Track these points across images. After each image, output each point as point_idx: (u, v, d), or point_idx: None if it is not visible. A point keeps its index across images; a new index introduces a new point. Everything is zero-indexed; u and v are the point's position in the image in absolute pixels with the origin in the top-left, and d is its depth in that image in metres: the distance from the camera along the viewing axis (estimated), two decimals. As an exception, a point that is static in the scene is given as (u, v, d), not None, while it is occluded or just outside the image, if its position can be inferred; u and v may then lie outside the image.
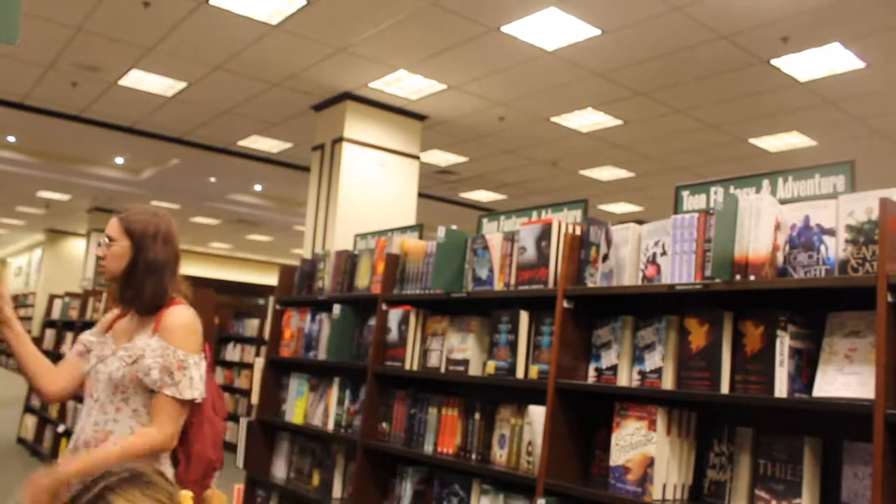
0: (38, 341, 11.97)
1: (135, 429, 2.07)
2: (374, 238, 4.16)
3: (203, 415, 2.22)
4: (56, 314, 8.67)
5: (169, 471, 2.11)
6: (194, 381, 2.09)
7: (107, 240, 2.15)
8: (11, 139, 10.91)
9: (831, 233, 2.07)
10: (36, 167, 11.85)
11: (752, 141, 8.14)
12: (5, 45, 1.48)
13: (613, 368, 2.53)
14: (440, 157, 9.76)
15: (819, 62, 6.05)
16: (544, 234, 2.79)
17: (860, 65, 6.03)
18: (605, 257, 2.60)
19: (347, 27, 6.05)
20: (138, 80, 7.60)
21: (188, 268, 21.40)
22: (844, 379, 1.97)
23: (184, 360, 2.07)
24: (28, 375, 2.16)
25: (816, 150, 8.18)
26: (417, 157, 8.09)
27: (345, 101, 7.56)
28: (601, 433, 2.62)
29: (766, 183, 2.46)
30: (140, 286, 2.13)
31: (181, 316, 2.15)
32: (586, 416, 2.65)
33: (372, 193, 7.59)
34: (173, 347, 2.07)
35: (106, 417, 2.08)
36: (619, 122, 7.84)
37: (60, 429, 6.83)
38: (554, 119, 7.91)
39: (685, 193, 2.70)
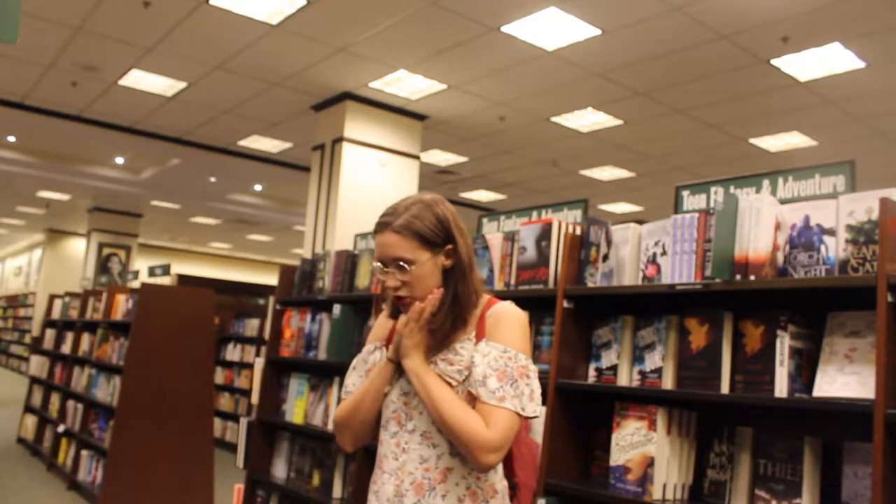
0: (38, 341, 11.97)
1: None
2: (374, 238, 4.16)
3: (520, 435, 1.83)
4: (56, 314, 8.68)
5: None
6: (535, 394, 1.64)
7: (400, 266, 1.68)
8: (11, 139, 10.92)
9: (831, 233, 2.07)
10: (36, 167, 11.85)
11: (752, 141, 8.14)
12: (5, 44, 1.48)
13: (613, 368, 2.53)
14: (440, 157, 9.76)
15: (819, 62, 6.05)
16: (544, 234, 2.79)
17: (860, 65, 6.03)
18: (605, 257, 2.60)
19: (347, 27, 6.05)
20: (138, 80, 7.60)
21: (188, 268, 21.47)
22: (844, 379, 1.97)
23: (526, 365, 1.64)
24: (358, 420, 1.74)
25: (816, 150, 8.19)
26: (417, 157, 8.09)
27: (345, 101, 7.56)
28: (601, 433, 2.61)
29: (766, 183, 2.46)
30: (459, 303, 1.69)
31: (513, 312, 1.71)
32: (586, 416, 2.65)
33: (372, 193, 7.58)
34: (514, 351, 1.64)
35: (437, 452, 1.64)
36: (619, 122, 7.84)
37: (60, 429, 6.82)
38: (554, 119, 7.91)
39: (685, 193, 2.70)
